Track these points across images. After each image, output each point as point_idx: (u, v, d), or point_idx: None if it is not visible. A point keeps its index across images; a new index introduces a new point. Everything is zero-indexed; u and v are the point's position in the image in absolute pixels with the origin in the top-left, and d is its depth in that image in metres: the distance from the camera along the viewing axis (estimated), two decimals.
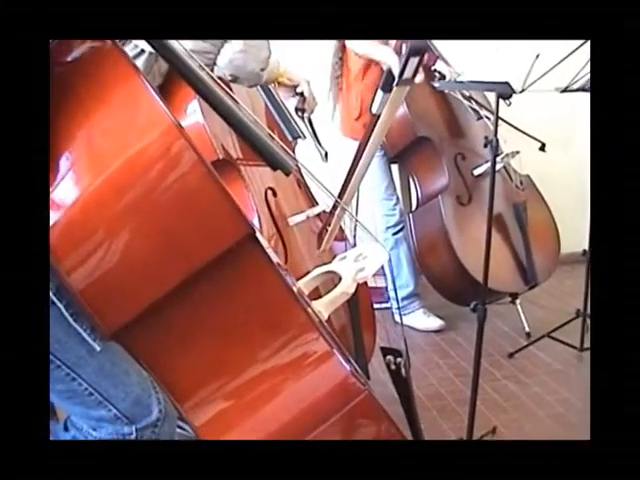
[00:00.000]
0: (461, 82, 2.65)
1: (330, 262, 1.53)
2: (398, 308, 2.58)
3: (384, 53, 3.01)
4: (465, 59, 3.35)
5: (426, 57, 3.19)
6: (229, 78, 1.95)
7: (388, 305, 3.64)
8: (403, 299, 3.65)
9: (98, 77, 1.09)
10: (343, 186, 1.67)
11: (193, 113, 2.15)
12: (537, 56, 2.31)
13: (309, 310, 1.19)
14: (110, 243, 1.04)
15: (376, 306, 2.81)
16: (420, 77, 1.52)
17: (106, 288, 1.05)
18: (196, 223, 1.05)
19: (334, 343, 1.21)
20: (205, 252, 1.06)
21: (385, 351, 1.65)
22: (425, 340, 3.52)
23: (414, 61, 1.18)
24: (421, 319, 3.65)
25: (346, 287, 1.37)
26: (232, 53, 1.61)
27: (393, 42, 3.06)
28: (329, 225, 1.64)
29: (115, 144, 1.05)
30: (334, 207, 1.53)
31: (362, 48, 3.13)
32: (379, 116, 1.33)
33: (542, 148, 3.23)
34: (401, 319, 3.46)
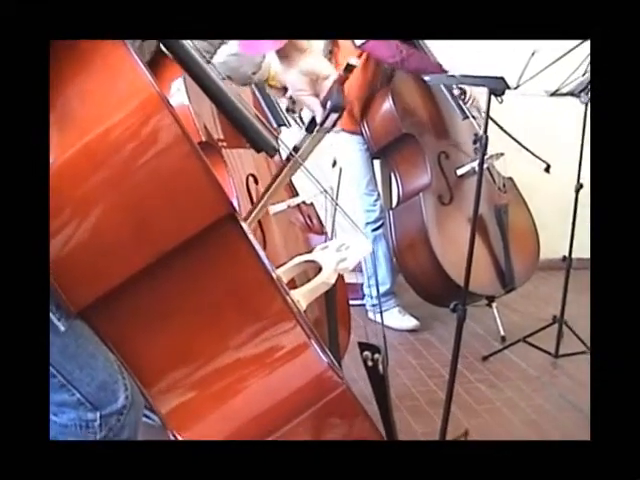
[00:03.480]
0: (453, 76, 2.61)
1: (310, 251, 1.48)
2: (378, 305, 2.54)
3: (311, 102, 2.97)
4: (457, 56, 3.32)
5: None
6: (222, 76, 1.91)
7: (363, 302, 3.62)
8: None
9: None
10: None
11: (177, 92, 2.09)
12: (533, 53, 2.27)
13: (287, 298, 1.14)
14: (82, 216, 0.97)
15: (350, 302, 2.77)
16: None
17: (75, 263, 0.98)
18: (174, 199, 0.99)
19: (312, 334, 1.16)
20: (182, 230, 1.00)
21: (363, 347, 1.60)
22: (399, 339, 3.48)
23: (334, 116, 1.37)
24: (396, 318, 3.61)
25: (327, 277, 1.32)
26: (227, 55, 1.59)
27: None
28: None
29: (93, 111, 0.99)
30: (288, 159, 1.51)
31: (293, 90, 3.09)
32: (297, 149, 1.43)
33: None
34: (382, 315, 3.43)
